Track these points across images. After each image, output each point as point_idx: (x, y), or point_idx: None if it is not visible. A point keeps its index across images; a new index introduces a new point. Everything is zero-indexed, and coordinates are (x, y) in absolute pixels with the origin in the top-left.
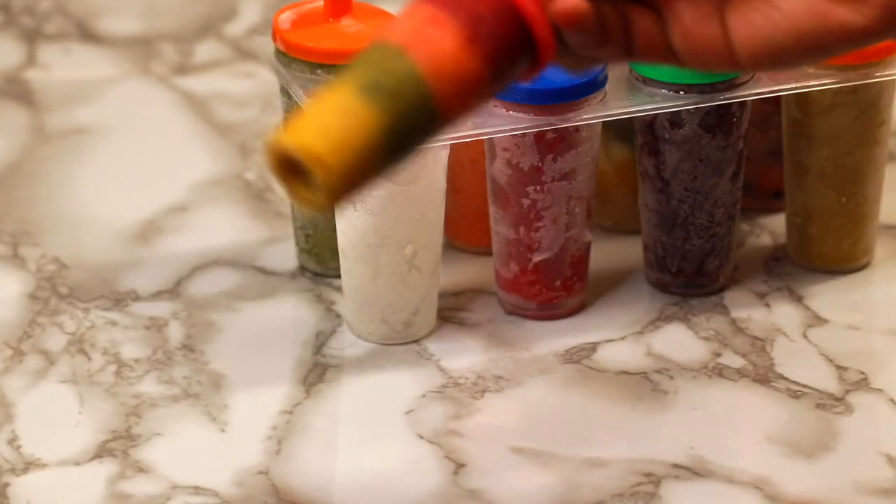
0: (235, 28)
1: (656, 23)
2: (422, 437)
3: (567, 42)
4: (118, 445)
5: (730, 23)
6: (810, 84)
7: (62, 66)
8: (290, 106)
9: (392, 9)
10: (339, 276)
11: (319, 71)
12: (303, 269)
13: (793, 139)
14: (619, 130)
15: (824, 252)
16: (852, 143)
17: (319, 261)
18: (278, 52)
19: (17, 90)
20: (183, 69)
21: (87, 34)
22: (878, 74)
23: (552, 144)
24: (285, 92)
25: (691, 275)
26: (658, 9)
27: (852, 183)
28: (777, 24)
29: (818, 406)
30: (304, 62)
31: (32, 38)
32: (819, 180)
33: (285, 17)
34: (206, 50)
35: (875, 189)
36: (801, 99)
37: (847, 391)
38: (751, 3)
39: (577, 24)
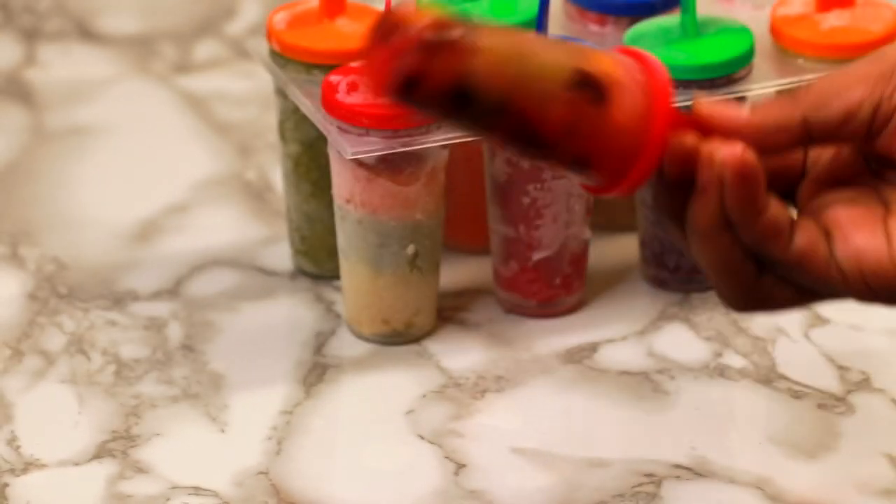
0: (235, 27)
1: (821, 235)
2: (422, 438)
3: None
4: (118, 446)
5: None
6: (807, 79)
7: (61, 65)
8: (286, 107)
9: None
10: (334, 278)
11: (316, 71)
12: (299, 270)
13: None
14: None
15: None
16: None
17: (315, 262)
18: (273, 52)
19: (16, 89)
20: (182, 68)
21: (87, 33)
22: None
23: None
24: (280, 93)
25: (689, 271)
26: (824, 224)
27: None
28: None
29: (820, 406)
30: (300, 63)
31: (32, 37)
32: None
33: (280, 18)
34: (205, 49)
35: None
36: None
37: (848, 391)
38: None
39: (745, 178)
